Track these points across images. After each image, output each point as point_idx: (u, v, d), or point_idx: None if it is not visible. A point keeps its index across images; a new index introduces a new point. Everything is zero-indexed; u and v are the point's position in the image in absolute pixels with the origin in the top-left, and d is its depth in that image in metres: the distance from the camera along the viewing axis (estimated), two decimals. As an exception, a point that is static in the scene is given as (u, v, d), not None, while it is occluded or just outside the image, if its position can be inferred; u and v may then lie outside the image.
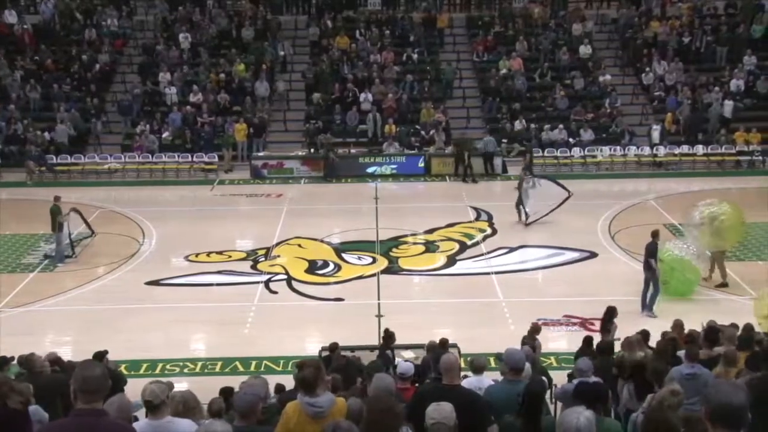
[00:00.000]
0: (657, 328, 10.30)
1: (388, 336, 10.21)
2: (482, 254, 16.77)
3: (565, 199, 18.17)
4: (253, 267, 16.16)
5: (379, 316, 13.71)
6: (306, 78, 27.56)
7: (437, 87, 27.47)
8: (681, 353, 8.70)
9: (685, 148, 24.45)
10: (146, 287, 15.14)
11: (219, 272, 15.86)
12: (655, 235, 13.66)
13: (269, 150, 25.15)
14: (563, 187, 18.42)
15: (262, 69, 27.07)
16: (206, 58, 27.82)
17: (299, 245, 17.51)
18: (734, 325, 9.72)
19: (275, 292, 14.93)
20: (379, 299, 14.54)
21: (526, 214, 18.05)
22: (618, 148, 24.62)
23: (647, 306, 13.34)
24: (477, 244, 17.41)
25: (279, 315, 13.91)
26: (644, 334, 9.87)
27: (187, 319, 13.70)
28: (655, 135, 24.66)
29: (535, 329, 10.93)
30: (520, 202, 18.37)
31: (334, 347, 10.08)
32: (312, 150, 24.39)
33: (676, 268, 13.88)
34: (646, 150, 24.55)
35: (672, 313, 12.29)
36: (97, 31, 28.55)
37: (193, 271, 15.98)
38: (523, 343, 10.54)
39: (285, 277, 15.63)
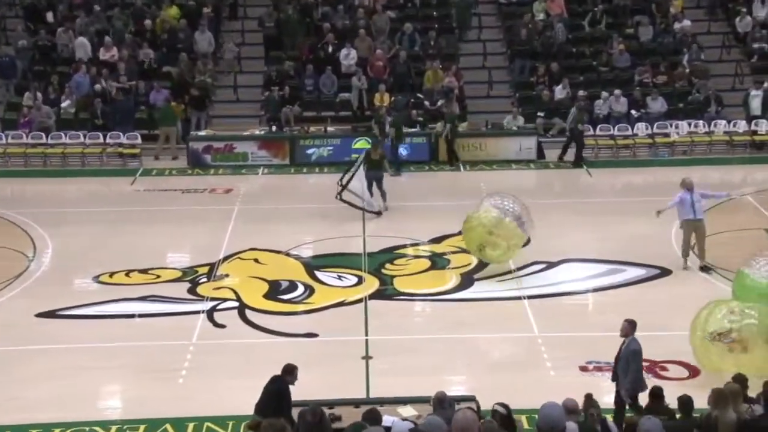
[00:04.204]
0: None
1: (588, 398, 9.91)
2: (510, 271, 16.78)
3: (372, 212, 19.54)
4: (192, 291, 16.18)
5: (366, 357, 13.70)
6: (265, 28, 27.63)
7: (448, 39, 27.54)
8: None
9: (798, 122, 24.67)
10: (38, 320, 15.08)
11: (143, 298, 15.88)
12: None
13: (213, 128, 25.23)
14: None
15: (203, 15, 27.10)
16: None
17: (256, 260, 17.51)
18: None
19: (222, 326, 14.94)
20: (366, 334, 14.52)
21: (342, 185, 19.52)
22: (701, 122, 24.76)
23: None
24: (503, 257, 17.50)
25: (227, 358, 13.88)
26: (739, 381, 9.89)
27: (97, 366, 13.64)
28: (755, 104, 24.82)
29: None
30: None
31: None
32: (274, 128, 24.47)
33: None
34: (742, 125, 24.68)
35: None
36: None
37: (105, 297, 15.96)
38: None
39: (236, 304, 15.64)
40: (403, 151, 23.85)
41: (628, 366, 11.03)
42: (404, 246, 18.18)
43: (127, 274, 16.83)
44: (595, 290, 16.22)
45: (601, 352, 13.53)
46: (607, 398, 12.28)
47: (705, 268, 16.67)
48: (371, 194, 19.78)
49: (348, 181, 19.55)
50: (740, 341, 12.33)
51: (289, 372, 10.48)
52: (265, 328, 14.83)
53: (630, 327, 11.23)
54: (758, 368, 12.01)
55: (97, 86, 25.30)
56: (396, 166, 22.54)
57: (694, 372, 12.95)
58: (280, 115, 24.84)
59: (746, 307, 12.62)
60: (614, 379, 11.26)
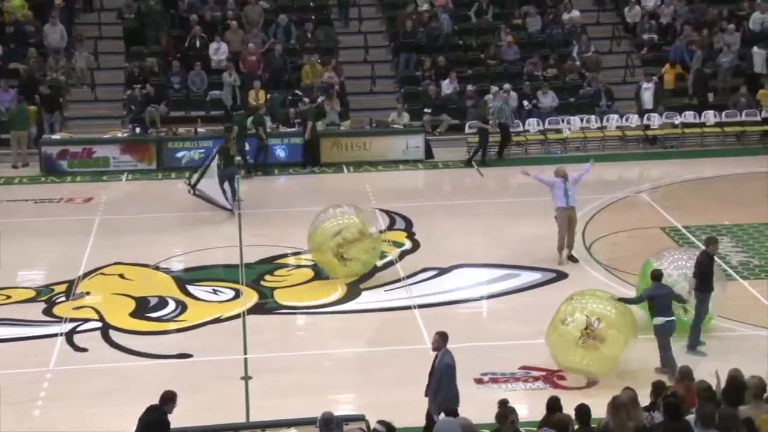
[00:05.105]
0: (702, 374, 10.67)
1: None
2: (399, 279, 16.94)
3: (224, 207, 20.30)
4: (48, 312, 15.88)
5: (246, 377, 13.65)
6: (124, 20, 27.17)
7: (326, 32, 27.57)
8: (691, 417, 9.10)
9: (689, 116, 25.48)
10: None
11: (-7, 322, 15.50)
12: (708, 243, 14.27)
13: (69, 131, 24.72)
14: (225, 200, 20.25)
15: (55, 6, 26.46)
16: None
17: (121, 275, 17.31)
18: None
19: (83, 349, 14.67)
20: (245, 353, 14.46)
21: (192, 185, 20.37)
22: (593, 117, 25.44)
23: (690, 343, 13.98)
24: (391, 264, 17.60)
25: (90, 384, 13.64)
26: (656, 387, 10.20)
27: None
28: (647, 97, 25.59)
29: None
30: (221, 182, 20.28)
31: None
32: (137, 130, 24.07)
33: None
34: (634, 119, 25.48)
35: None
36: None
37: (-51, 321, 15.51)
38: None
39: (99, 324, 15.40)
40: (280, 152, 23.83)
41: (441, 381, 11.10)
42: (285, 255, 18.15)
43: (-27, 295, 16.39)
44: (489, 297, 16.48)
45: (497, 363, 13.81)
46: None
47: (572, 258, 17.41)
48: (224, 191, 20.12)
49: (197, 181, 20.08)
50: (604, 322, 12.91)
51: (169, 400, 10.29)
52: (132, 349, 14.62)
53: (442, 339, 11.31)
54: (625, 330, 12.97)
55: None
56: (248, 168, 22.79)
57: (591, 381, 13.26)
58: (144, 115, 24.46)
59: (578, 302, 13.26)
60: (427, 394, 11.30)
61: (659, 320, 13.14)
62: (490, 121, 23.92)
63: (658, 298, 13.21)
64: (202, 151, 23.56)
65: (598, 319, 12.93)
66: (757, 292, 16.18)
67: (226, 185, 20.28)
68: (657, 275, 13.43)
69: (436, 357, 11.30)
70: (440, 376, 11.10)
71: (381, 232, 17.91)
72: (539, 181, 17.64)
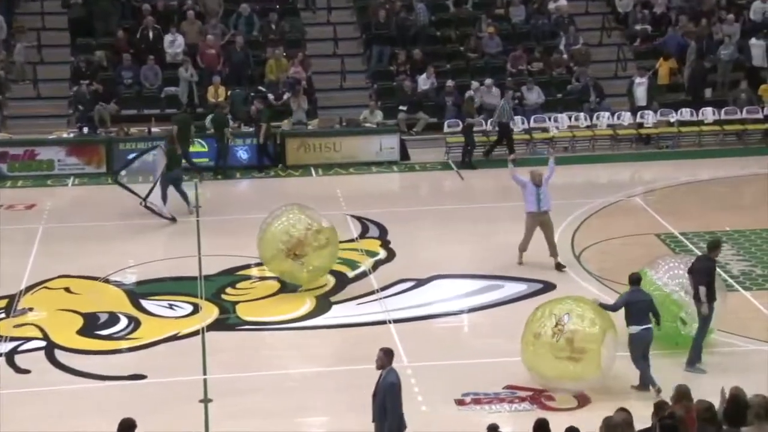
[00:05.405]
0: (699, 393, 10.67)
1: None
2: (373, 292, 16.95)
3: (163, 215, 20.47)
4: (-13, 330, 15.77)
5: (205, 400, 13.60)
6: (71, 8, 27.10)
7: (292, 22, 27.57)
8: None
9: (686, 113, 25.64)
10: None
11: (-75, 341, 15.38)
12: (713, 248, 14.32)
13: (9, 131, 24.65)
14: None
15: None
16: None
17: (67, 289, 17.24)
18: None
19: (26, 371, 14.58)
20: (205, 373, 14.41)
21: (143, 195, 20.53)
22: (582, 115, 25.54)
23: (690, 359, 14.01)
24: (365, 275, 17.63)
25: (33, 409, 13.50)
26: (658, 407, 10.19)
27: None
28: (640, 93, 25.72)
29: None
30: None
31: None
32: (85, 130, 23.97)
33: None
34: (626, 117, 25.60)
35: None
36: None
37: None
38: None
39: (43, 343, 15.30)
40: (242, 154, 23.82)
41: (386, 402, 10.96)
42: (248, 266, 18.10)
43: None
44: (471, 310, 16.48)
45: (479, 382, 13.80)
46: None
47: (559, 266, 17.50)
48: (165, 197, 20.30)
49: (149, 192, 20.17)
50: (574, 316, 13.11)
51: (129, 428, 10.22)
52: (80, 370, 14.54)
53: (386, 357, 11.14)
54: (599, 320, 13.10)
55: None
56: (198, 171, 22.89)
57: (582, 400, 13.30)
58: (92, 114, 24.38)
59: (545, 308, 13.48)
60: (374, 419, 11.13)
61: (634, 329, 13.21)
62: (489, 120, 24.04)
63: (635, 304, 13.28)
64: (156, 152, 23.45)
65: (568, 314, 13.11)
66: (759, 304, 16.28)
67: (171, 190, 20.28)
68: (634, 279, 13.55)
69: (380, 376, 11.14)
70: (384, 397, 10.94)
71: (353, 240, 17.89)
72: (514, 179, 17.81)
